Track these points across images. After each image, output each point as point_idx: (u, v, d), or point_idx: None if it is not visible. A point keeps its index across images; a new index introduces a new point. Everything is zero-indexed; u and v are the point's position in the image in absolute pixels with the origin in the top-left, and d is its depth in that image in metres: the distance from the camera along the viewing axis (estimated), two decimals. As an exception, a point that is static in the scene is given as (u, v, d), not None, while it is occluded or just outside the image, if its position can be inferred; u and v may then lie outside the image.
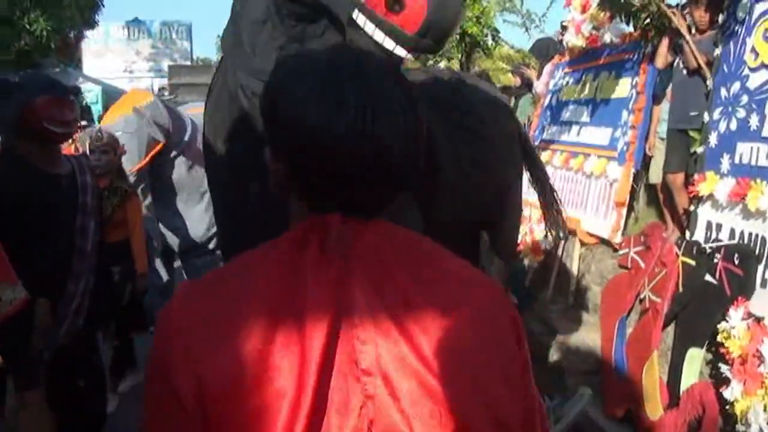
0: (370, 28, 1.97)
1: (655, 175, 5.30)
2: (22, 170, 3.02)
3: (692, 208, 4.42)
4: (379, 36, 1.98)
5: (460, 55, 13.12)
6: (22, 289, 2.23)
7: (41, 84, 3.11)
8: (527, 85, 9.16)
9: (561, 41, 7.66)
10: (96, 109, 13.44)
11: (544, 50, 8.51)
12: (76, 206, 3.16)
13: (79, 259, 3.13)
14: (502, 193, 3.02)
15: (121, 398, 4.74)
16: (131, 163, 5.24)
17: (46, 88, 3.07)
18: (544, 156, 6.88)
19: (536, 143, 7.27)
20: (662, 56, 5.08)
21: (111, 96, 14.62)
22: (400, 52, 1.98)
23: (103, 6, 16.21)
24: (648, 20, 5.07)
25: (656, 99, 5.35)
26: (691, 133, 4.69)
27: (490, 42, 13.82)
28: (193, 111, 6.16)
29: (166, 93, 13.84)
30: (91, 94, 14.03)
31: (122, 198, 4.65)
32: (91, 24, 16.14)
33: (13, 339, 2.31)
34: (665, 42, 5.00)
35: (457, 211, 2.59)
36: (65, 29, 14.25)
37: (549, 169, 6.57)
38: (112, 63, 25.20)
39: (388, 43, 1.97)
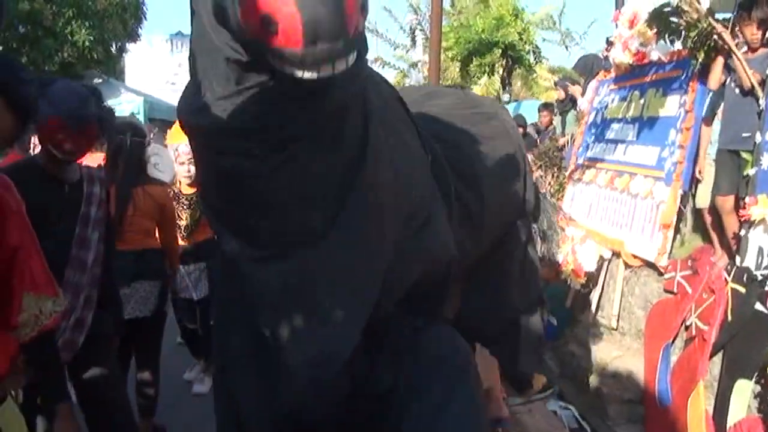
0: (275, 64, 1.68)
1: (703, 199, 5.12)
2: (26, 170, 3.01)
3: (743, 232, 4.25)
4: (283, 69, 1.68)
5: (501, 70, 13.07)
6: (62, 300, 2.20)
7: (65, 105, 3.02)
8: (571, 100, 9.04)
9: (606, 57, 7.51)
10: (138, 120, 13.56)
11: (589, 66, 8.38)
12: (77, 216, 3.11)
13: (77, 270, 3.05)
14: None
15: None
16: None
17: (66, 112, 2.99)
18: (588, 175, 6.75)
19: (580, 161, 7.14)
20: (715, 77, 4.89)
21: (154, 107, 14.78)
22: (309, 76, 1.66)
23: (146, 19, 16.44)
24: (697, 38, 4.92)
25: (707, 120, 5.18)
26: (743, 155, 4.51)
27: (532, 59, 13.79)
28: None
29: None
30: (132, 105, 14.18)
31: None
32: (134, 36, 16.36)
33: (46, 351, 2.26)
34: (719, 62, 4.82)
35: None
36: (108, 41, 14.44)
37: (594, 188, 6.48)
38: (155, 75, 25.57)
39: (294, 73, 1.67)
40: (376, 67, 11.94)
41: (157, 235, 4.35)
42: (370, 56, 2.36)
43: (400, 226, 2.31)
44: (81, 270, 3.06)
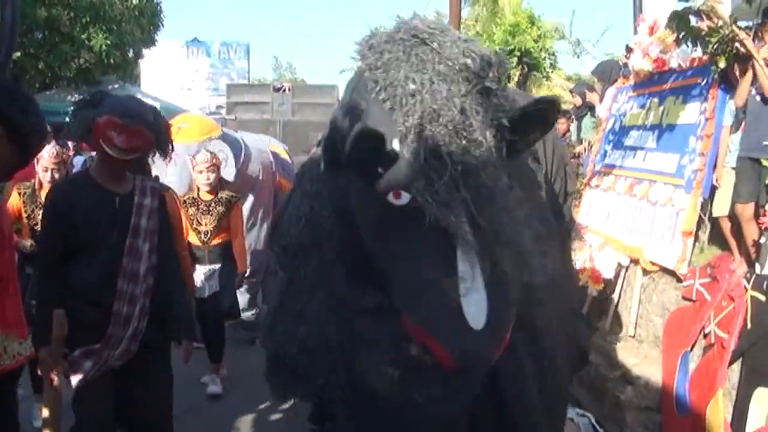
0: None
1: (720, 206, 5.09)
2: (79, 182, 3.07)
3: (762, 240, 4.23)
4: None
5: (517, 76, 13.06)
6: (29, 345, 2.20)
7: (115, 105, 3.15)
8: (588, 106, 9.01)
9: (625, 64, 7.49)
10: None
11: (607, 73, 8.35)
12: (127, 227, 3.16)
13: (129, 281, 3.11)
14: None
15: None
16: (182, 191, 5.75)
17: (117, 110, 3.10)
18: (606, 182, 6.73)
19: (598, 168, 7.12)
20: (743, 94, 4.82)
21: (170, 112, 14.85)
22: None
23: (163, 25, 16.52)
24: (718, 44, 4.89)
25: (730, 127, 5.13)
26: (764, 162, 4.49)
27: (547, 65, 13.79)
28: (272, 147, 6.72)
29: (224, 111, 14.04)
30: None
31: (228, 206, 5.46)
32: (150, 42, 16.46)
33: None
34: (747, 79, 4.75)
35: None
36: (125, 46, 14.52)
37: (612, 195, 6.46)
38: (170, 81, 25.68)
39: None
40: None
41: None
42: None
43: None
44: (134, 281, 3.11)
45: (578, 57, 14.46)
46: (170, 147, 3.45)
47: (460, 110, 1.94)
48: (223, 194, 5.46)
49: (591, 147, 7.96)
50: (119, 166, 3.22)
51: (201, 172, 5.31)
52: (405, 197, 1.98)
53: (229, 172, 6.03)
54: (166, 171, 5.44)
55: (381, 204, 2.04)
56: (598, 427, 4.73)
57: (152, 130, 3.20)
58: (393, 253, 2.12)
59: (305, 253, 3.47)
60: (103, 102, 3.18)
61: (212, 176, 5.36)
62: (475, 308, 1.88)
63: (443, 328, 1.94)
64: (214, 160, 5.36)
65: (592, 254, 6.00)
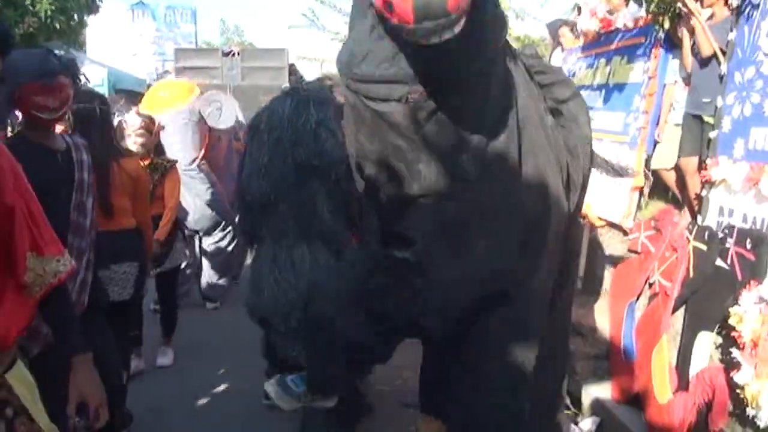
0: (393, 34, 2.19)
1: (660, 160, 5.30)
2: (20, 145, 2.99)
3: (704, 192, 4.42)
4: (400, 38, 2.17)
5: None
6: (68, 259, 2.19)
7: (31, 68, 3.05)
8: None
9: (574, 24, 7.59)
10: (101, 91, 13.42)
11: (555, 33, 8.40)
12: (72, 183, 3.14)
13: (77, 235, 3.11)
14: None
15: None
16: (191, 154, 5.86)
17: (35, 74, 3.02)
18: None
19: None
20: (686, 54, 5.00)
21: (119, 78, 14.61)
22: (421, 41, 2.09)
23: (107, -13, 16.17)
24: (659, 3, 5.03)
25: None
26: (706, 119, 4.68)
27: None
28: None
29: (171, 76, 13.86)
30: (96, 77, 13.99)
31: (163, 173, 5.02)
32: (94, 7, 16.08)
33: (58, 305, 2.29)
34: (686, 47, 4.92)
35: None
36: (69, 11, 14.17)
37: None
38: (116, 46, 25.17)
39: (408, 40, 2.12)
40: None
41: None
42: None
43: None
44: (81, 235, 3.11)
45: (522, 20, 14.48)
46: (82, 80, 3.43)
47: None
48: (158, 160, 5.05)
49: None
50: (52, 125, 3.20)
51: (129, 136, 4.87)
52: None
53: (227, 119, 6.05)
54: (168, 142, 5.45)
55: None
56: (549, 376, 4.92)
57: (66, 69, 3.15)
58: None
59: (275, 205, 3.58)
60: (9, 72, 3.08)
61: (140, 140, 4.89)
62: None
63: None
64: (142, 124, 4.91)
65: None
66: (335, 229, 3.79)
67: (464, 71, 2.30)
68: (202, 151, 5.99)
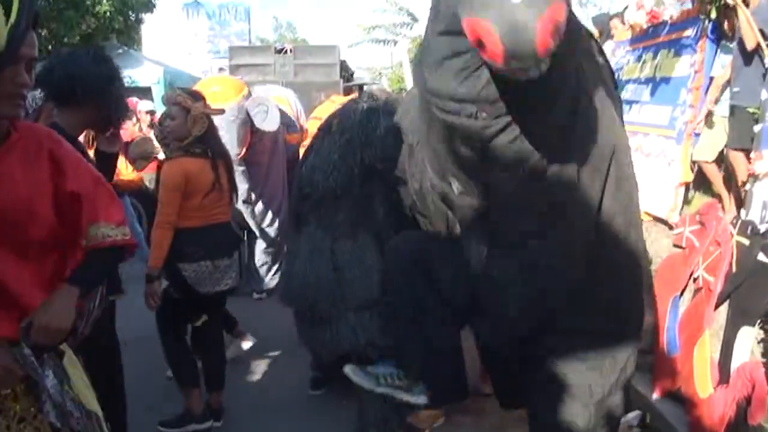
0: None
1: (701, 152, 5.28)
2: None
3: (747, 186, 4.39)
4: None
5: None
6: (128, 231, 2.21)
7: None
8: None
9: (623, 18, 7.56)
10: (158, 90, 13.71)
11: (605, 25, 8.38)
12: None
13: None
14: None
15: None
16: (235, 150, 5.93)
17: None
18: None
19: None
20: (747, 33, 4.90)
21: (175, 77, 14.91)
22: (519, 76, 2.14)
23: (164, -14, 16.50)
24: None
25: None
26: (752, 110, 4.64)
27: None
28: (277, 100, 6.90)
29: (226, 73, 14.09)
30: (153, 75, 14.29)
31: None
32: (151, 6, 16.43)
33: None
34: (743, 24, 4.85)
35: None
36: (128, 11, 14.52)
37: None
38: (171, 44, 25.61)
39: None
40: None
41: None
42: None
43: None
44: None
45: (584, 7, 14.38)
46: None
47: None
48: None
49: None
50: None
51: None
52: None
53: (272, 123, 6.17)
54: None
55: None
56: (592, 370, 4.94)
57: None
58: None
59: (335, 199, 3.76)
60: (116, 76, 3.22)
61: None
62: None
63: (478, 7, 2.02)
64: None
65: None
66: (386, 229, 3.98)
67: (540, 98, 2.38)
68: (244, 149, 6.14)
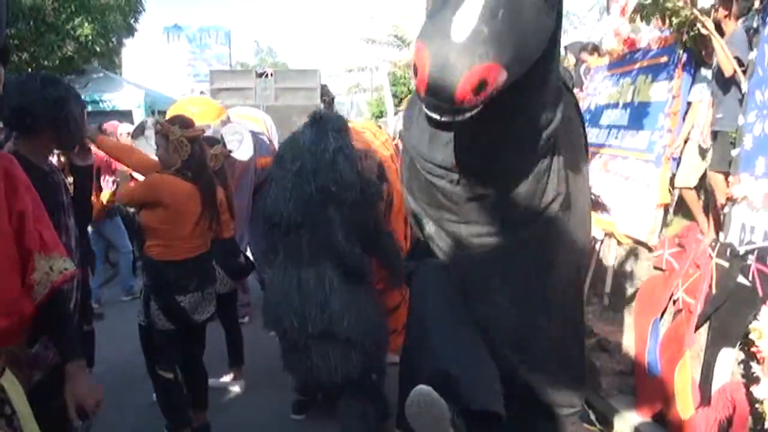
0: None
1: (682, 178, 5.36)
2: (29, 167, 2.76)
3: (726, 209, 4.46)
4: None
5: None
6: (71, 263, 2.27)
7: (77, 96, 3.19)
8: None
9: (595, 47, 7.70)
10: (138, 114, 13.70)
11: (578, 52, 8.52)
12: (59, 204, 3.06)
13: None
14: None
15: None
16: None
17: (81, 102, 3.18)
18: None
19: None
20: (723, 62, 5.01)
21: (155, 101, 14.91)
22: (436, 117, 2.12)
23: (145, 11, 16.49)
24: (680, 25, 5.10)
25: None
26: (732, 135, 4.72)
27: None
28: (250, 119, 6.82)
29: (206, 97, 14.11)
30: (134, 99, 14.29)
31: None
32: (132, 30, 16.41)
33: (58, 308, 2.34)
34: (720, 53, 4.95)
35: None
36: (109, 34, 14.48)
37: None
38: (152, 68, 25.61)
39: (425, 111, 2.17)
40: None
41: None
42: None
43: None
44: (71, 257, 2.85)
45: (564, 32, 14.56)
46: None
47: None
48: None
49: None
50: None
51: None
52: None
53: (244, 152, 6.08)
54: None
55: None
56: (575, 392, 4.97)
57: None
58: None
59: (298, 227, 3.79)
60: (72, 97, 3.16)
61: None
62: (461, 21, 1.97)
63: (429, 34, 2.03)
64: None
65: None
66: (349, 253, 4.03)
67: (517, 165, 2.54)
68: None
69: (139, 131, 5.57)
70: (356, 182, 3.99)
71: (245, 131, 6.19)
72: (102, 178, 7.23)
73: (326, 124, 4.14)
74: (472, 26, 1.95)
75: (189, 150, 4.04)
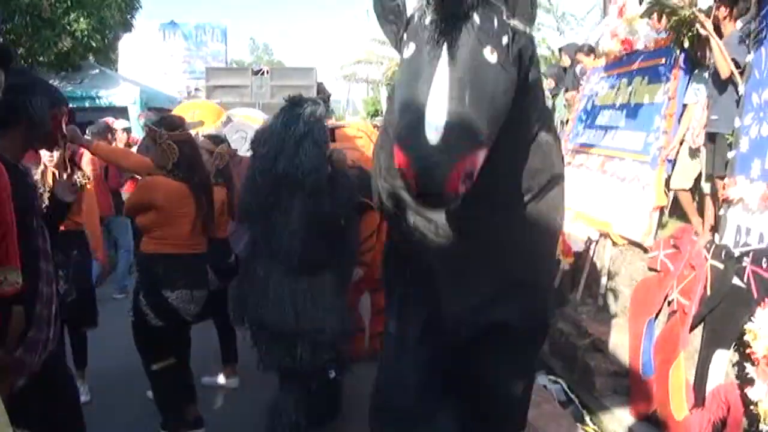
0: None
1: (678, 180, 5.37)
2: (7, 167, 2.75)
3: (721, 211, 4.47)
4: None
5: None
6: (20, 277, 2.31)
7: (54, 92, 3.12)
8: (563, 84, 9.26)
9: (591, 49, 7.73)
10: (134, 110, 13.63)
11: (561, 75, 8.63)
12: (33, 206, 2.96)
13: (45, 259, 2.88)
14: None
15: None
16: None
17: (62, 99, 3.11)
18: (578, 159, 6.95)
19: (570, 146, 7.34)
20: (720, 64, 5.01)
21: (151, 97, 14.86)
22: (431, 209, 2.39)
23: (141, 7, 16.43)
24: (678, 25, 5.10)
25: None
26: (728, 137, 4.73)
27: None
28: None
29: (201, 94, 14.07)
30: (129, 95, 14.22)
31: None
32: (129, 26, 16.35)
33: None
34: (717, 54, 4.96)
35: None
36: (105, 30, 14.41)
37: (584, 172, 6.68)
38: (147, 64, 25.53)
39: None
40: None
41: None
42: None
43: None
44: (47, 259, 2.90)
45: (562, 34, 14.52)
46: None
47: None
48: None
49: (564, 126, 8.17)
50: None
51: None
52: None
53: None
54: None
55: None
56: (569, 393, 4.98)
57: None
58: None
59: (266, 215, 3.74)
60: (45, 86, 3.12)
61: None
62: (433, 120, 1.98)
63: (405, 139, 2.04)
64: (205, 145, 5.02)
65: (564, 228, 6.21)
66: (300, 247, 3.90)
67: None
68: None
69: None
70: (322, 169, 3.83)
71: (249, 128, 6.20)
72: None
73: (300, 109, 3.97)
74: (444, 122, 1.97)
75: (177, 152, 4.01)
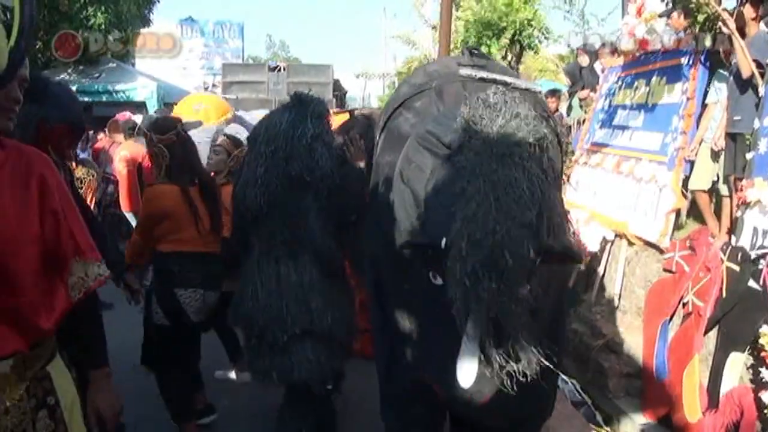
0: None
1: (696, 181, 5.32)
2: None
3: (738, 213, 4.43)
4: None
5: (510, 56, 13.12)
6: (105, 268, 2.23)
7: (70, 111, 3.12)
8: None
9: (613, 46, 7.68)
10: (151, 105, 13.70)
11: (577, 75, 8.60)
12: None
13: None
14: None
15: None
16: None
17: (73, 119, 3.10)
18: (595, 159, 6.90)
19: (587, 146, 7.30)
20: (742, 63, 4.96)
21: (168, 92, 14.92)
22: None
23: (159, 1, 16.52)
24: (704, 21, 5.06)
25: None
26: (746, 138, 4.69)
27: (540, 42, 13.82)
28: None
29: (219, 90, 14.11)
30: (146, 90, 14.28)
31: None
32: (146, 21, 16.44)
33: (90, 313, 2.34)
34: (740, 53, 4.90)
35: None
36: (122, 24, 14.50)
37: (600, 172, 6.65)
38: (164, 60, 25.63)
39: None
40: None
41: None
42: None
43: None
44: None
45: (583, 34, 14.50)
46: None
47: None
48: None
49: (580, 125, 8.13)
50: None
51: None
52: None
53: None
54: None
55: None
56: (582, 393, 4.96)
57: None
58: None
59: (268, 216, 3.65)
60: (48, 96, 3.02)
61: (216, 157, 5.04)
62: (466, 371, 2.03)
63: (438, 372, 2.18)
64: (221, 142, 5.10)
65: (579, 229, 6.19)
66: (324, 247, 3.80)
67: None
68: (212, 173, 6.07)
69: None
70: (334, 172, 3.72)
71: (244, 131, 6.14)
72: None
73: (306, 108, 3.82)
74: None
75: (167, 155, 3.98)
